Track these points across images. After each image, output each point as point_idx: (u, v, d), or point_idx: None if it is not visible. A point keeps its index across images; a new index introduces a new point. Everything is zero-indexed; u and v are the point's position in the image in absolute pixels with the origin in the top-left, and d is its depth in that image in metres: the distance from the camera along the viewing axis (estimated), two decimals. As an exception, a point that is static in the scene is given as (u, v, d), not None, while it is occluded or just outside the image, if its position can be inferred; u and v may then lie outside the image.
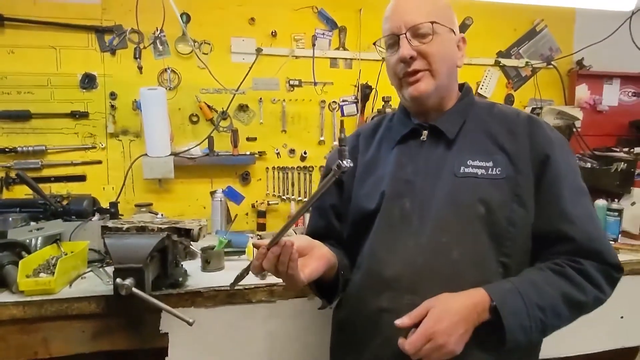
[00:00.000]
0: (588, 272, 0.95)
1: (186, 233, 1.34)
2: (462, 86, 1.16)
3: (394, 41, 1.05)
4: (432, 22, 1.02)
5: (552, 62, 2.72)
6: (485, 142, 1.04)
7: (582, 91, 2.77)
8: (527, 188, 0.99)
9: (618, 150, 2.57)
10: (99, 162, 2.27)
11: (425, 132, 1.09)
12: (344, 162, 0.78)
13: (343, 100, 2.53)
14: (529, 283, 0.94)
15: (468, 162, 1.02)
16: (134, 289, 1.15)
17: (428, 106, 1.08)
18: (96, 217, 1.81)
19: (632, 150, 2.51)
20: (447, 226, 0.99)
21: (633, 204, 2.18)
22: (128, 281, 1.15)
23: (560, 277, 0.95)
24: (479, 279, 0.96)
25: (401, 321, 0.90)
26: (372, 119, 2.50)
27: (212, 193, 2.29)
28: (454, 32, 1.08)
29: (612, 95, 2.82)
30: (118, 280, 1.15)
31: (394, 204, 1.05)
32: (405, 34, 1.02)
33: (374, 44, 1.13)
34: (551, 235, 0.98)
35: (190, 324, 1.19)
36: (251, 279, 1.49)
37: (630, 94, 2.85)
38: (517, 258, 1.00)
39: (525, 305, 0.91)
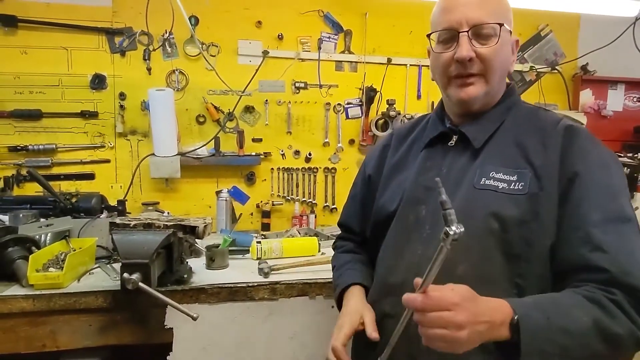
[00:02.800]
0: (622, 304, 0.80)
1: (191, 230, 1.37)
2: (506, 86, 1.06)
3: (450, 36, 0.95)
4: (499, 24, 0.93)
5: (557, 67, 2.73)
6: (514, 153, 0.94)
7: (587, 96, 2.78)
8: (548, 207, 0.88)
9: (622, 155, 2.57)
10: (108, 161, 2.32)
11: (455, 137, 1.03)
12: (453, 227, 0.70)
13: (348, 103, 2.56)
14: (555, 303, 0.81)
15: (490, 174, 0.93)
16: (141, 284, 1.18)
17: (472, 110, 1.00)
18: (104, 214, 1.85)
19: (636, 155, 2.51)
20: None
21: (636, 208, 2.18)
22: (135, 276, 1.18)
23: (593, 303, 0.80)
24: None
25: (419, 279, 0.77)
26: (377, 121, 2.53)
27: (218, 193, 2.33)
28: (511, 34, 0.99)
29: (616, 101, 2.83)
30: (125, 274, 1.18)
31: (410, 209, 1.01)
32: (467, 32, 0.92)
33: (428, 36, 1.01)
34: (576, 263, 0.86)
35: (194, 319, 1.21)
36: (254, 277, 1.53)
37: (634, 99, 2.85)
38: (533, 280, 0.89)
39: (548, 325, 0.77)
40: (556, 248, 0.88)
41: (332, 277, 1.24)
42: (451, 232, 0.69)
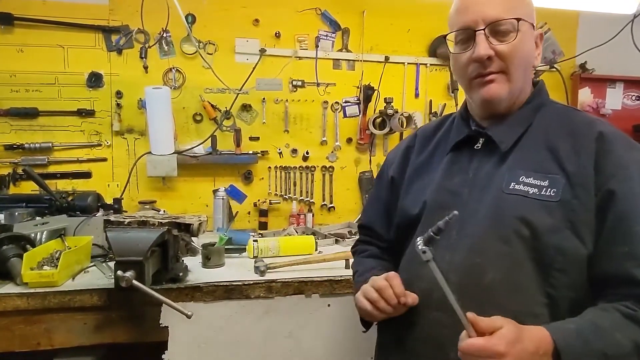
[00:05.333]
0: None
1: (186, 228, 1.36)
2: (535, 84, 1.02)
3: (467, 36, 0.93)
4: (517, 19, 0.90)
5: (555, 66, 2.72)
6: (545, 158, 0.91)
7: (585, 95, 2.77)
8: (583, 216, 0.85)
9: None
10: (104, 159, 2.31)
11: (481, 140, 0.99)
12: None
13: (345, 101, 2.55)
14: (594, 327, 0.80)
15: (520, 179, 0.90)
16: (134, 282, 1.17)
17: (497, 111, 0.97)
18: (100, 212, 1.84)
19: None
20: (484, 246, 0.90)
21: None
22: (129, 273, 1.17)
23: (632, 322, 0.80)
24: (518, 307, 0.85)
25: (474, 317, 0.77)
26: (374, 120, 2.52)
27: (215, 191, 2.33)
28: (534, 27, 0.95)
29: (615, 99, 2.82)
30: (119, 272, 1.17)
31: (436, 214, 0.95)
32: (483, 30, 0.90)
33: (445, 37, 0.99)
34: (619, 278, 0.84)
35: (189, 317, 1.21)
36: (250, 276, 1.53)
37: (633, 98, 2.84)
38: (566, 292, 0.87)
39: (588, 352, 0.77)
40: (595, 260, 0.85)
41: (354, 282, 1.17)
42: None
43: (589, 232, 0.85)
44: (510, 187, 0.90)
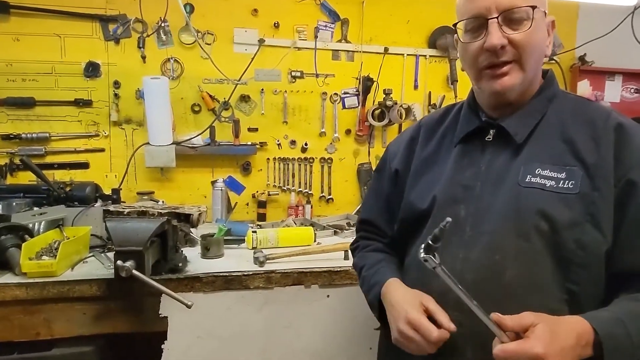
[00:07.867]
0: None
1: (186, 218, 1.36)
2: (544, 73, 0.98)
3: (478, 24, 0.89)
4: (532, 7, 0.86)
5: (555, 58, 2.72)
6: (562, 149, 0.88)
7: (584, 87, 2.77)
8: (604, 208, 0.83)
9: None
10: (102, 150, 2.30)
11: (492, 131, 0.95)
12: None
13: (344, 93, 2.54)
14: (632, 313, 0.78)
15: (537, 171, 0.87)
16: (134, 271, 1.17)
17: (508, 100, 0.93)
18: (98, 203, 1.84)
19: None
20: (501, 242, 0.87)
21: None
22: (128, 263, 1.17)
23: None
24: (539, 305, 0.81)
25: (498, 317, 0.74)
26: (373, 111, 2.52)
27: (213, 182, 2.32)
28: (546, 15, 0.91)
29: (614, 92, 2.83)
30: (119, 262, 1.17)
31: (448, 210, 0.93)
32: (497, 18, 0.86)
33: (454, 25, 0.95)
34: None
35: (189, 307, 1.21)
36: (250, 266, 1.53)
37: (632, 91, 2.85)
38: (588, 286, 0.84)
39: (631, 342, 0.75)
40: (618, 254, 0.84)
41: (360, 278, 1.11)
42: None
43: (609, 225, 0.83)
44: (527, 180, 0.87)
